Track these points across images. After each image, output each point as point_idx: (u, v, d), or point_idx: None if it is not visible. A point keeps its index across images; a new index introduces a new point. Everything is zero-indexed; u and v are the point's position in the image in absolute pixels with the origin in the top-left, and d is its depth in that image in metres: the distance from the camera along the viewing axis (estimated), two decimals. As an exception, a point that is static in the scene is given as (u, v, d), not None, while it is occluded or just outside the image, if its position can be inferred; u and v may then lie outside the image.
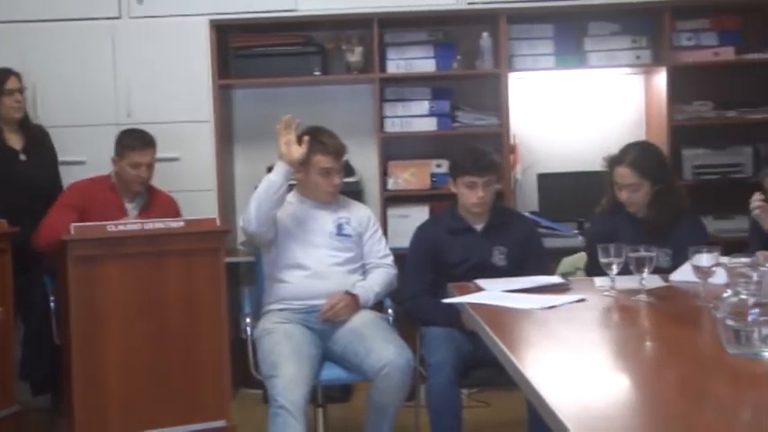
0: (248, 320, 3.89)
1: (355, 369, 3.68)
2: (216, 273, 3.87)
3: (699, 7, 5.18)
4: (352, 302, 3.80)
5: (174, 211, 4.48)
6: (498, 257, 3.86)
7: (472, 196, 3.82)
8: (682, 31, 5.23)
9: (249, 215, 3.78)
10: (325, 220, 3.94)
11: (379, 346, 3.60)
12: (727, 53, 5.16)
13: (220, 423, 3.84)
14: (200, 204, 4.94)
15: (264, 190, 3.76)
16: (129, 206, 4.41)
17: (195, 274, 3.82)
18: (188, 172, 5.07)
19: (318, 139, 3.88)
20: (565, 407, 1.83)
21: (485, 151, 3.93)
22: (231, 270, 4.78)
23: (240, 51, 5.22)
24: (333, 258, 3.88)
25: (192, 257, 3.83)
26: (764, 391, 1.99)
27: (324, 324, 3.78)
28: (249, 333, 3.85)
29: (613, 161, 3.75)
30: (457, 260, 3.85)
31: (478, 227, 3.92)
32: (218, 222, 4.05)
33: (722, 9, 5.22)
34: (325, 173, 3.88)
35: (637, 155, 3.71)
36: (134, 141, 4.37)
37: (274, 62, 5.17)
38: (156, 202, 4.48)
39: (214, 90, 5.09)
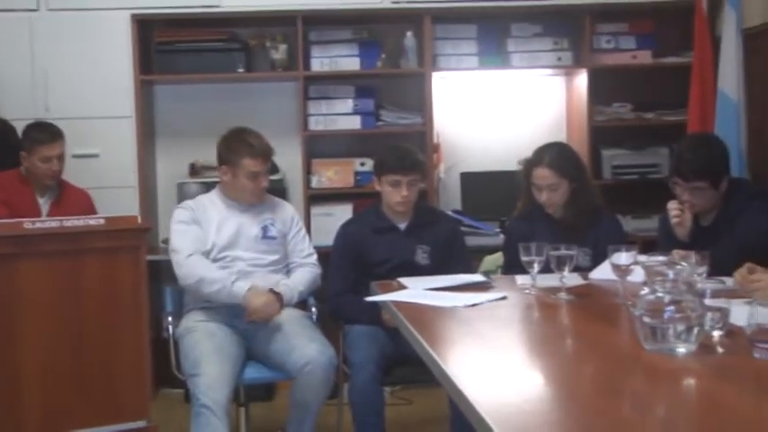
0: (170, 319, 3.85)
1: (278, 368, 3.67)
2: (137, 271, 3.80)
3: (617, 11, 5.29)
4: (275, 301, 3.77)
5: (86, 206, 4.40)
6: (422, 256, 3.88)
7: (396, 195, 3.84)
8: (601, 34, 5.33)
9: (187, 280, 3.72)
10: (251, 223, 3.88)
11: (301, 345, 3.59)
12: (645, 56, 5.28)
13: (141, 423, 3.78)
14: (120, 201, 4.88)
15: (215, 294, 3.68)
16: (40, 201, 4.33)
17: (115, 273, 3.74)
18: (108, 168, 5.00)
19: (246, 140, 3.83)
20: (485, 403, 1.85)
21: (410, 150, 3.94)
22: (152, 268, 4.71)
23: (163, 47, 5.15)
24: (257, 261, 3.85)
25: (112, 256, 3.75)
26: (679, 386, 2.04)
27: (247, 323, 3.75)
28: (171, 332, 3.81)
29: (531, 163, 3.79)
30: (380, 259, 3.86)
31: (402, 226, 3.94)
32: (139, 220, 3.98)
33: (639, 14, 5.34)
34: (253, 176, 3.83)
35: (554, 155, 3.77)
36: (42, 135, 4.30)
37: (197, 58, 5.13)
38: (67, 197, 4.41)
39: (136, 85, 5.02)
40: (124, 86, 5.00)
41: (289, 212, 4.02)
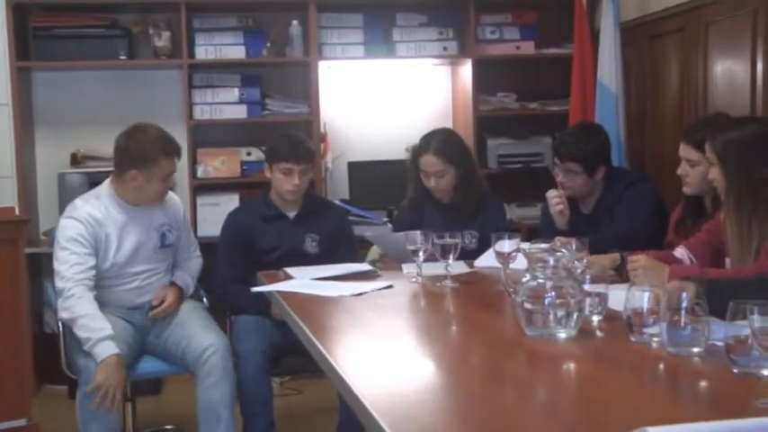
0: (59, 315, 3.65)
1: (177, 361, 3.58)
2: (15, 265, 3.69)
3: (501, 3, 5.36)
4: (178, 294, 3.71)
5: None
6: (311, 245, 3.88)
7: (287, 183, 3.81)
8: (486, 25, 5.40)
9: (63, 313, 3.41)
10: (148, 234, 3.66)
11: (198, 334, 3.52)
12: (528, 47, 5.37)
13: (21, 422, 3.67)
14: (-3, 192, 4.72)
15: (80, 337, 3.35)
16: None
17: (-8, 266, 3.63)
18: (-16, 158, 4.83)
19: (168, 138, 3.61)
20: (369, 392, 1.86)
21: (302, 139, 3.93)
22: (33, 261, 4.58)
23: (40, 32, 4.97)
24: (154, 271, 3.70)
25: (-11, 248, 3.64)
26: (559, 371, 2.09)
27: (145, 319, 3.63)
28: (60, 327, 3.57)
29: (417, 151, 3.84)
30: (269, 247, 3.84)
31: (291, 214, 3.92)
32: (17, 211, 3.87)
33: (522, 5, 5.43)
34: (166, 177, 3.63)
35: (440, 142, 3.82)
36: None
37: (78, 44, 4.97)
38: None
39: (12, 72, 4.84)
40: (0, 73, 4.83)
41: (179, 210, 3.83)
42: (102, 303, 3.49)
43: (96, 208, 3.58)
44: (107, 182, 3.67)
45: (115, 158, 3.61)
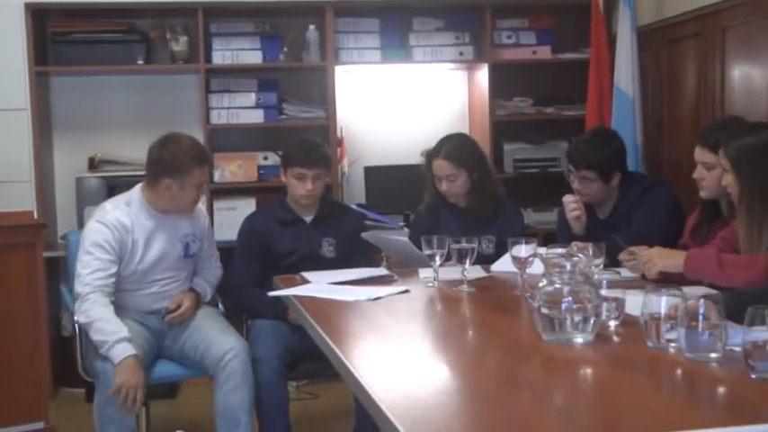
0: (75, 318, 3.68)
1: (195, 365, 3.59)
2: (33, 268, 3.71)
3: (517, 7, 5.37)
4: (195, 299, 3.72)
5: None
6: (327, 249, 3.88)
7: (301, 188, 3.82)
8: (502, 30, 5.40)
9: (79, 317, 3.44)
10: (173, 243, 3.68)
11: (218, 339, 3.53)
12: (545, 52, 5.37)
13: (38, 425, 3.69)
14: (15, 196, 4.74)
15: (96, 340, 3.38)
16: None
17: (10, 270, 3.65)
18: (2, 162, 4.85)
19: (197, 147, 3.64)
20: (386, 396, 1.86)
21: (317, 144, 3.93)
22: (51, 265, 4.61)
23: (59, 37, 5.01)
24: (175, 279, 3.72)
25: (7, 252, 3.66)
26: (576, 376, 2.09)
27: (161, 323, 3.65)
28: (77, 330, 3.60)
29: (430, 155, 3.86)
30: (286, 251, 3.85)
31: (308, 218, 3.93)
32: (35, 215, 3.89)
33: (539, 10, 5.43)
34: (200, 186, 3.65)
35: (451, 147, 3.83)
36: None
37: (95, 49, 5.01)
38: None
39: (30, 77, 4.88)
40: (18, 78, 4.86)
41: (204, 221, 3.84)
42: (120, 307, 3.52)
43: (125, 214, 3.59)
44: (138, 188, 3.68)
45: (148, 168, 3.62)
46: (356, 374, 2.06)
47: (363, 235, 3.81)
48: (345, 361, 2.19)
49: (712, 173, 3.21)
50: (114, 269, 3.52)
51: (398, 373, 2.14)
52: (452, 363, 2.29)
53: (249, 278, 3.85)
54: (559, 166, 5.31)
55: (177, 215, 3.69)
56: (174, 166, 3.54)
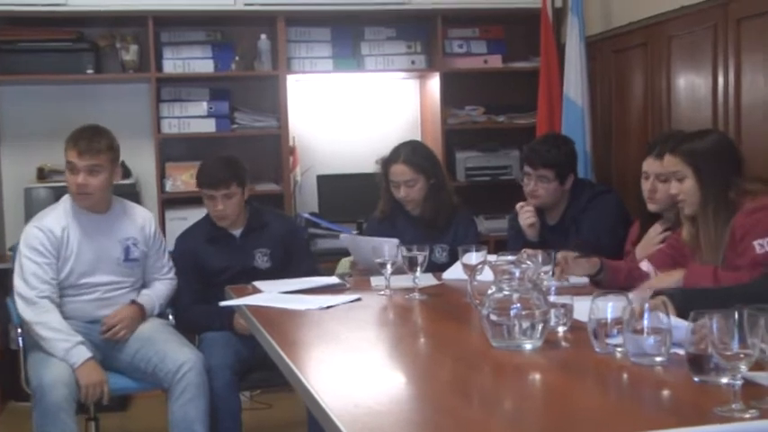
0: (19, 330, 3.62)
1: (147, 377, 3.56)
2: (-22, 280, 3.65)
3: (468, 17, 5.40)
4: (138, 313, 3.66)
5: None
6: (261, 260, 3.86)
7: (212, 208, 3.82)
8: (453, 39, 5.43)
9: (31, 324, 3.45)
10: (111, 245, 3.66)
11: (172, 351, 3.50)
12: (496, 61, 5.41)
13: (-17, 439, 3.63)
14: (-38, 208, 4.67)
15: (47, 344, 3.41)
16: None
17: (-46, 283, 3.59)
18: (-53, 173, 4.79)
19: (76, 133, 3.62)
20: (335, 405, 1.86)
21: (226, 163, 3.86)
22: (-2, 277, 4.55)
23: (6, 46, 4.95)
24: (118, 285, 3.69)
25: (-48, 264, 3.60)
26: (525, 381, 2.11)
27: (103, 338, 3.60)
28: (21, 344, 3.59)
29: (387, 161, 3.86)
30: (219, 268, 3.82)
31: (237, 232, 3.90)
32: (-19, 227, 3.83)
33: (489, 19, 5.47)
34: (71, 168, 3.60)
35: (410, 151, 3.86)
36: None
37: (43, 58, 4.95)
38: None
39: (-25, 86, 4.82)
40: (-37, 88, 4.81)
41: (149, 226, 3.79)
42: (63, 315, 3.50)
43: (61, 216, 3.60)
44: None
45: None
46: (306, 383, 2.06)
47: (342, 237, 3.82)
48: (295, 370, 2.19)
49: (666, 185, 3.15)
50: (53, 273, 3.52)
51: (349, 382, 2.14)
52: (404, 371, 2.30)
53: (192, 298, 3.85)
54: (511, 174, 5.35)
55: (115, 217, 3.68)
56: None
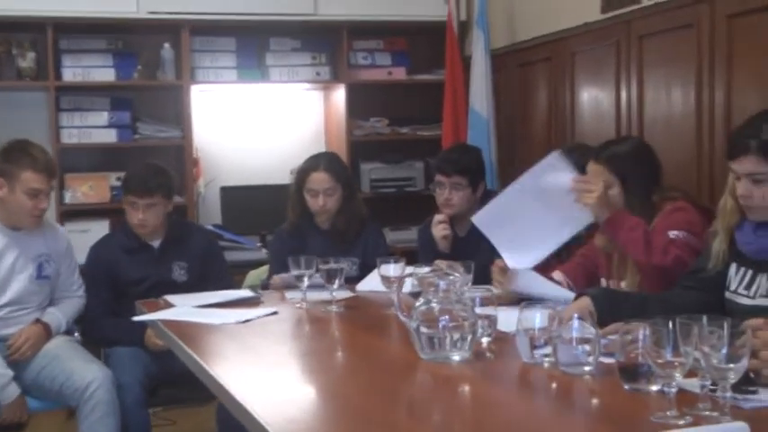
0: None
1: (52, 396, 3.45)
2: None
3: (372, 29, 5.41)
4: (44, 332, 3.54)
5: None
6: (179, 273, 3.79)
7: (133, 217, 3.74)
8: (358, 51, 5.45)
9: None
10: (24, 261, 3.54)
11: (80, 368, 3.39)
12: (400, 73, 5.45)
13: None
14: None
15: None
16: None
17: None
18: None
19: (29, 152, 3.48)
20: (271, 419, 1.84)
21: (156, 171, 3.81)
22: None
23: None
24: (26, 304, 3.56)
25: None
26: (454, 392, 2.12)
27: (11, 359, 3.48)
28: None
29: (306, 169, 3.80)
30: (135, 279, 3.73)
31: (155, 243, 3.82)
32: None
33: (393, 31, 5.50)
34: (33, 193, 3.47)
35: (329, 160, 3.85)
36: None
37: (-67, 65, 4.76)
38: None
39: None
40: None
41: (62, 243, 3.69)
42: None
43: None
44: None
45: None
46: (236, 396, 2.02)
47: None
48: (222, 383, 2.15)
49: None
50: None
51: (277, 395, 2.11)
52: (328, 382, 2.28)
53: (100, 309, 3.75)
54: (416, 185, 5.39)
55: (29, 233, 3.55)
56: (4, 168, 3.46)
